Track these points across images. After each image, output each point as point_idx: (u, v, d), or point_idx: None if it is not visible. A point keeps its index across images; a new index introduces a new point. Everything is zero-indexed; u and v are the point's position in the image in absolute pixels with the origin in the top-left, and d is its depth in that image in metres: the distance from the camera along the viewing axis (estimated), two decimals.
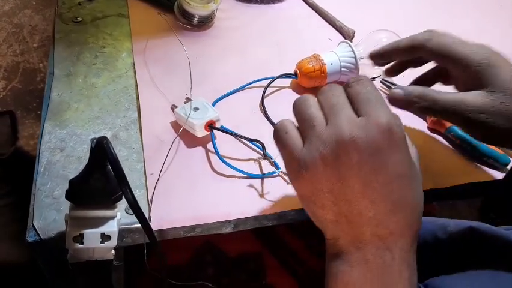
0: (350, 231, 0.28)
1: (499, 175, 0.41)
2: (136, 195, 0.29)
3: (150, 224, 0.33)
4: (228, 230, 0.37)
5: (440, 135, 0.45)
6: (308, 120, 0.29)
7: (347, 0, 0.64)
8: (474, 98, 0.33)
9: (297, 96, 0.49)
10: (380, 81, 0.51)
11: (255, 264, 0.79)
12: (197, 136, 0.41)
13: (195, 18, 0.54)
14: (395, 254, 0.27)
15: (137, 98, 0.46)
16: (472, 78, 0.34)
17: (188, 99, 0.44)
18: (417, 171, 0.29)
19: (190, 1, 0.53)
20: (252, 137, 0.41)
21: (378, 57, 0.41)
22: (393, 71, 0.43)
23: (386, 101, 0.30)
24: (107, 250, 0.32)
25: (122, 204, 0.35)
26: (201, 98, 0.43)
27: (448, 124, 0.44)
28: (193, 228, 0.36)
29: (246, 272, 0.77)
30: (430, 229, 0.34)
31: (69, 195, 0.30)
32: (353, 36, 0.56)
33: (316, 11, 0.61)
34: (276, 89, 0.49)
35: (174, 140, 0.41)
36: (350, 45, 0.48)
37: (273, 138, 0.31)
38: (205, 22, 0.55)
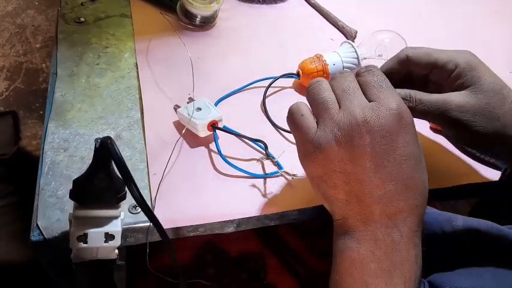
0: (360, 210, 0.29)
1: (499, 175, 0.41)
2: None
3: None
4: (230, 229, 0.37)
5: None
6: (322, 103, 0.30)
7: (349, 1, 0.64)
8: (458, 97, 0.34)
9: (299, 96, 0.49)
10: None
11: (256, 264, 0.79)
12: (200, 136, 0.41)
13: (197, 19, 0.55)
14: (403, 232, 0.28)
15: (140, 98, 0.46)
16: (456, 81, 0.35)
17: (190, 99, 0.44)
18: (423, 156, 0.30)
19: (193, 1, 0.53)
20: (254, 137, 0.41)
21: None
22: None
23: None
24: (111, 249, 0.32)
25: (126, 204, 0.35)
26: (204, 98, 0.43)
27: None
28: (196, 227, 0.36)
29: (247, 271, 0.77)
30: (440, 221, 0.35)
31: (73, 194, 0.30)
32: (355, 36, 0.56)
33: (318, 11, 0.61)
34: (278, 89, 0.49)
35: (178, 141, 0.41)
36: (352, 46, 0.48)
37: (286, 121, 0.33)
38: (208, 22, 0.55)
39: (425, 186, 0.30)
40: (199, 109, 0.42)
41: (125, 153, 0.40)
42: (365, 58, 0.48)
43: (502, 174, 0.40)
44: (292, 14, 0.61)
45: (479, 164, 0.42)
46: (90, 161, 0.30)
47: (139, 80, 0.48)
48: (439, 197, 0.41)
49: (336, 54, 0.48)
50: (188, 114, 0.41)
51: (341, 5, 0.62)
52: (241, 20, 0.58)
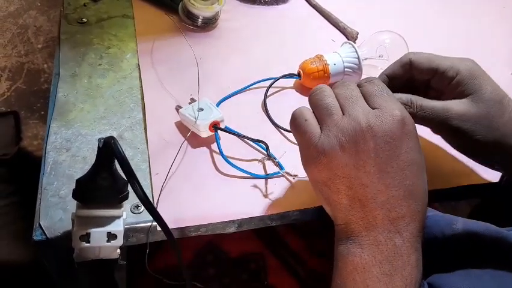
0: (362, 215, 0.29)
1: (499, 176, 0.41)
2: None
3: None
4: (232, 229, 0.37)
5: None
6: (326, 109, 0.31)
7: (350, 2, 0.65)
8: (458, 105, 0.34)
9: (300, 96, 0.49)
10: None
11: (256, 265, 0.79)
12: (201, 136, 0.41)
13: (199, 19, 0.55)
14: (405, 238, 0.28)
15: (142, 98, 0.46)
16: (457, 88, 0.35)
17: (192, 100, 0.44)
18: (424, 162, 0.31)
19: (195, 2, 0.53)
20: (256, 137, 0.41)
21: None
22: None
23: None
24: (113, 249, 0.32)
25: (128, 203, 0.35)
26: (205, 99, 0.43)
27: None
28: (198, 227, 0.36)
29: (247, 272, 0.77)
30: (441, 224, 0.35)
31: (76, 194, 0.30)
32: (356, 37, 0.56)
33: (319, 12, 0.61)
34: (279, 89, 0.49)
35: (181, 143, 0.41)
36: (353, 46, 0.48)
37: (289, 125, 0.33)
38: (209, 23, 0.56)
39: (426, 192, 0.30)
40: (201, 109, 0.42)
41: (127, 153, 0.40)
42: (365, 59, 0.48)
43: (500, 178, 0.40)
44: (293, 15, 0.61)
45: (479, 165, 0.42)
46: (92, 161, 0.30)
47: (141, 81, 0.48)
48: (439, 197, 0.41)
49: (337, 54, 0.48)
50: (190, 115, 0.41)
51: (342, 6, 0.62)
52: (243, 20, 0.58)
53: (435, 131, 0.36)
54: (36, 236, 0.34)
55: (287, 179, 0.40)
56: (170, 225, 0.35)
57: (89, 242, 0.30)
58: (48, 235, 0.34)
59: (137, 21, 0.56)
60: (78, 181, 0.30)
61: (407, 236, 0.28)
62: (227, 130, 0.42)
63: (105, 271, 0.38)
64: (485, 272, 0.33)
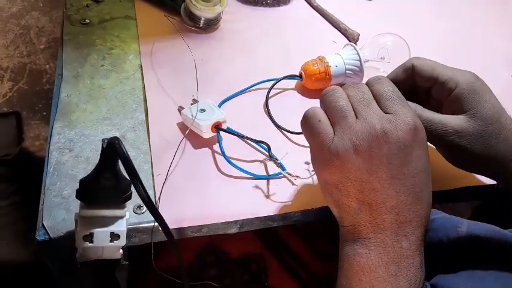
0: (371, 219, 0.29)
1: None
2: None
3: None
4: (233, 230, 0.38)
5: None
6: (340, 111, 0.31)
7: (351, 3, 0.65)
8: (456, 121, 0.34)
9: (301, 98, 0.49)
10: None
11: (257, 266, 0.79)
12: (203, 137, 0.41)
13: (201, 21, 0.55)
14: (411, 241, 0.29)
15: (145, 99, 0.46)
16: (456, 101, 0.35)
17: (194, 101, 0.45)
18: (430, 169, 0.31)
19: (197, 4, 0.53)
20: (257, 138, 0.41)
21: None
22: None
23: None
24: (116, 249, 0.32)
25: (130, 204, 0.35)
26: (207, 100, 0.44)
27: None
28: (199, 228, 0.36)
29: (248, 273, 0.77)
30: (447, 227, 0.35)
31: (79, 194, 0.31)
32: (358, 39, 0.57)
33: (321, 14, 0.62)
34: (281, 90, 0.50)
35: (182, 142, 0.41)
36: (355, 48, 0.48)
37: (300, 125, 0.33)
38: (211, 24, 0.56)
39: (431, 198, 0.31)
40: (203, 110, 0.42)
41: (129, 154, 0.40)
42: (367, 60, 0.48)
43: (496, 184, 0.40)
44: (295, 16, 0.61)
45: None
46: (95, 162, 0.30)
47: (143, 82, 0.48)
48: (438, 199, 0.41)
49: (339, 56, 0.49)
50: (192, 116, 0.41)
51: (343, 7, 0.62)
52: (245, 22, 0.59)
53: (431, 142, 0.36)
54: (39, 236, 0.34)
55: (289, 180, 0.40)
56: (172, 226, 0.36)
57: (92, 242, 0.31)
58: (51, 235, 0.34)
59: (140, 23, 0.56)
60: (81, 181, 0.30)
61: (413, 240, 0.29)
62: (229, 131, 0.42)
63: (107, 271, 0.38)
64: (489, 273, 0.33)
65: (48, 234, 0.34)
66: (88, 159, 0.40)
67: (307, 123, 0.32)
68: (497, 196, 0.42)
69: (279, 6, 0.63)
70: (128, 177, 0.28)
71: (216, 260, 0.77)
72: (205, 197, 0.38)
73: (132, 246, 0.37)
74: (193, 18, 0.55)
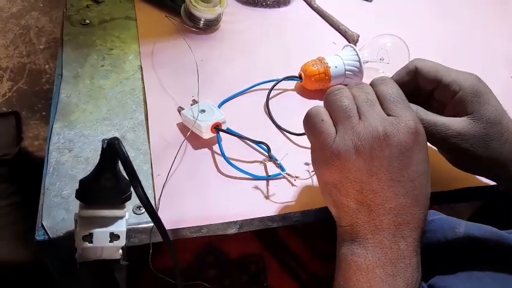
0: (369, 220, 0.29)
1: None
2: None
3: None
4: (233, 230, 0.38)
5: None
6: (344, 111, 0.31)
7: (351, 5, 0.65)
8: (458, 124, 0.34)
9: (301, 98, 0.50)
10: None
11: (256, 266, 0.79)
12: (203, 138, 0.41)
13: (201, 22, 0.55)
14: (409, 242, 0.29)
15: (145, 100, 0.46)
16: (459, 104, 0.35)
17: (194, 102, 0.45)
18: (430, 172, 0.31)
19: (197, 4, 0.53)
20: (257, 139, 0.41)
21: None
22: None
23: None
24: (116, 249, 0.32)
25: (130, 204, 0.36)
26: (207, 100, 0.44)
27: None
28: (199, 228, 0.36)
29: (248, 274, 0.77)
30: (444, 228, 0.35)
31: (79, 194, 0.31)
32: (357, 40, 0.57)
33: (320, 15, 0.62)
34: (280, 91, 0.50)
35: (182, 143, 0.41)
36: (354, 49, 0.49)
37: (303, 123, 0.33)
38: (211, 25, 0.56)
39: (429, 200, 0.31)
40: (202, 111, 0.42)
41: (129, 154, 0.40)
42: (366, 62, 0.49)
43: (497, 185, 0.40)
44: (295, 17, 0.61)
45: None
46: (94, 162, 0.30)
47: (143, 82, 0.48)
48: (439, 200, 0.41)
49: (338, 57, 0.49)
50: (192, 116, 0.41)
51: (343, 9, 0.62)
52: (245, 23, 0.59)
53: (434, 145, 0.36)
54: (39, 236, 0.34)
55: (288, 181, 0.40)
56: (172, 226, 0.36)
57: (91, 242, 0.31)
58: (50, 235, 0.34)
59: (140, 23, 0.56)
60: (81, 182, 0.30)
61: (410, 241, 0.29)
62: (229, 131, 0.42)
63: (107, 271, 0.38)
64: (487, 274, 0.33)
65: (47, 234, 0.34)
66: (88, 159, 0.40)
67: (310, 122, 0.32)
68: (498, 197, 0.42)
69: (279, 7, 0.63)
70: (128, 178, 0.28)
71: (215, 260, 0.77)
72: (204, 197, 0.38)
73: (131, 247, 0.37)
74: (193, 19, 0.55)
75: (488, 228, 0.36)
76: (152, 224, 0.35)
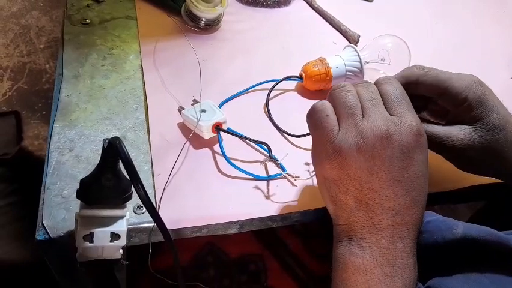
0: (367, 218, 0.29)
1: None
2: None
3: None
4: (233, 230, 0.38)
5: None
6: (349, 108, 0.31)
7: (352, 5, 0.65)
8: (462, 134, 0.34)
9: (302, 99, 0.50)
10: None
11: (256, 266, 0.79)
12: (204, 138, 0.41)
13: (202, 21, 0.55)
14: (406, 243, 0.29)
15: (145, 99, 0.46)
16: (463, 113, 0.35)
17: (195, 101, 0.45)
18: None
19: (197, 4, 0.53)
20: (258, 139, 0.41)
21: None
22: None
23: None
24: (116, 249, 0.32)
25: (130, 204, 0.35)
26: (208, 100, 0.44)
27: None
28: (200, 228, 0.36)
29: (247, 273, 0.77)
30: (442, 229, 0.35)
31: (80, 194, 0.31)
32: (358, 40, 0.57)
33: (321, 15, 0.62)
34: (281, 91, 0.50)
35: (184, 143, 0.41)
36: (355, 50, 0.49)
37: (306, 117, 0.33)
38: (212, 25, 0.56)
39: (425, 203, 0.31)
40: (203, 111, 0.42)
41: (130, 154, 0.40)
42: (367, 62, 0.49)
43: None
44: (295, 17, 0.61)
45: None
46: (95, 162, 0.30)
47: (144, 82, 0.48)
48: (440, 200, 0.41)
49: (339, 57, 0.49)
50: (193, 116, 0.41)
51: (344, 9, 0.62)
52: (246, 23, 0.59)
53: (438, 153, 0.36)
54: (39, 235, 0.34)
55: (289, 181, 0.40)
56: (172, 226, 0.36)
57: (92, 241, 0.31)
58: (51, 235, 0.34)
59: (140, 23, 0.56)
60: (82, 181, 0.30)
61: (407, 242, 0.29)
62: (229, 131, 0.42)
63: (107, 271, 0.38)
64: (485, 275, 0.33)
65: (48, 234, 0.34)
66: (88, 159, 0.40)
67: (315, 116, 0.32)
68: (499, 196, 0.42)
69: (279, 7, 0.63)
70: (128, 178, 0.28)
71: (215, 260, 0.77)
72: (205, 197, 0.38)
73: (131, 246, 0.37)
74: (193, 18, 0.55)
75: (486, 229, 0.36)
76: (153, 224, 0.36)
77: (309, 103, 0.49)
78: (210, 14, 0.54)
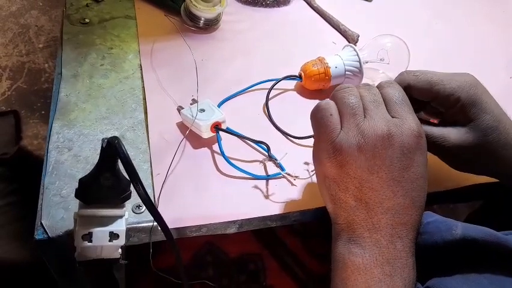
0: (366, 217, 0.30)
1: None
2: None
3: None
4: (232, 230, 0.38)
5: None
6: (351, 108, 0.31)
7: (351, 4, 0.65)
8: (456, 135, 0.34)
9: (301, 98, 0.50)
10: None
11: (255, 266, 0.79)
12: (203, 137, 0.41)
13: (201, 21, 0.55)
14: (405, 243, 0.29)
15: (144, 99, 0.46)
16: (456, 115, 0.35)
17: (194, 101, 0.45)
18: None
19: (197, 4, 0.53)
20: (257, 139, 0.41)
21: None
22: None
23: None
24: (115, 248, 0.32)
25: (129, 203, 0.35)
26: (207, 100, 0.44)
27: None
28: (199, 228, 0.36)
29: (246, 273, 0.77)
30: (441, 230, 0.35)
31: (79, 193, 0.31)
32: (357, 40, 0.57)
33: (321, 15, 0.62)
34: (280, 91, 0.50)
35: (182, 142, 0.41)
36: (354, 49, 0.49)
37: (310, 114, 0.33)
38: (211, 25, 0.56)
39: (424, 204, 0.31)
40: (202, 110, 0.42)
41: (129, 153, 0.40)
42: (366, 62, 0.49)
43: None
44: (295, 17, 0.61)
45: None
46: (94, 161, 0.30)
47: (143, 81, 0.48)
48: (439, 199, 0.41)
49: (338, 57, 0.49)
50: (192, 116, 0.41)
51: (343, 9, 0.62)
52: (245, 22, 0.59)
53: (434, 154, 0.36)
54: (38, 235, 0.34)
55: (288, 180, 0.40)
56: (171, 225, 0.36)
57: (91, 241, 0.31)
58: (50, 234, 0.34)
59: (140, 22, 0.56)
60: (81, 181, 0.30)
61: (406, 242, 0.29)
62: (228, 131, 0.42)
63: (106, 270, 0.38)
64: (484, 276, 0.33)
65: (47, 234, 0.34)
66: (87, 158, 0.40)
67: (319, 114, 0.32)
68: (499, 195, 0.42)
69: (279, 6, 0.63)
70: (127, 177, 0.28)
71: (214, 259, 0.77)
72: (204, 196, 0.38)
73: (130, 246, 0.37)
74: (193, 18, 0.55)
75: (485, 229, 0.36)
76: (152, 223, 0.36)
77: (308, 103, 0.49)
78: (209, 14, 0.54)
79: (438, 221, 0.38)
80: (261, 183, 0.40)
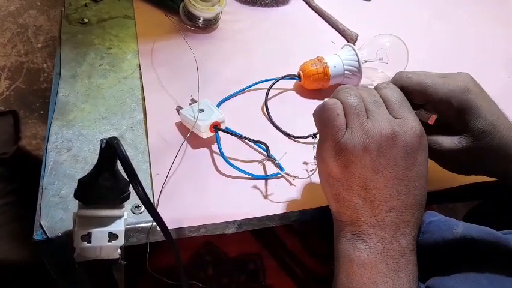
0: (371, 215, 0.30)
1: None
2: None
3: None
4: (232, 230, 0.38)
5: None
6: (355, 108, 0.32)
7: (350, 4, 0.65)
8: (449, 143, 0.35)
9: (300, 98, 0.50)
10: None
11: (254, 265, 0.79)
12: (202, 137, 0.41)
13: (200, 21, 0.55)
14: (408, 240, 0.30)
15: (143, 99, 0.46)
16: (450, 119, 0.35)
17: (193, 101, 0.44)
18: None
19: (195, 3, 0.53)
20: (256, 138, 0.41)
21: None
22: None
23: None
24: (114, 249, 0.32)
25: (128, 204, 0.35)
26: (206, 100, 0.44)
27: None
28: (198, 228, 0.36)
29: (246, 273, 0.77)
30: (442, 229, 0.35)
31: (78, 194, 0.31)
32: (356, 39, 0.57)
33: (319, 15, 0.62)
34: (280, 90, 0.50)
35: (181, 143, 0.41)
36: (353, 49, 0.49)
37: (316, 113, 0.33)
38: (210, 24, 0.56)
39: (425, 202, 0.32)
40: (201, 110, 0.42)
41: (128, 153, 0.40)
42: (365, 61, 0.49)
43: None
44: (294, 16, 0.61)
45: None
46: (93, 161, 0.30)
47: (141, 81, 0.48)
48: (438, 199, 0.41)
49: (337, 56, 0.49)
50: (191, 116, 0.41)
51: (342, 8, 0.62)
52: (244, 22, 0.59)
53: (430, 158, 0.36)
54: (37, 235, 0.34)
55: (287, 180, 0.40)
56: (170, 226, 0.36)
57: (90, 241, 0.30)
58: (49, 235, 0.34)
59: (138, 22, 0.56)
60: (80, 181, 0.30)
61: (409, 239, 0.30)
62: (227, 131, 0.42)
63: (105, 271, 0.38)
64: (484, 275, 0.33)
65: (46, 234, 0.34)
66: (86, 158, 0.40)
67: (325, 113, 0.32)
68: (499, 194, 0.42)
69: (277, 6, 0.63)
70: (126, 177, 0.28)
71: (213, 259, 0.77)
72: (203, 196, 0.38)
73: (129, 246, 0.36)
74: (191, 18, 0.55)
75: (485, 229, 0.36)
76: (151, 224, 0.35)
77: (307, 102, 0.49)
78: (208, 13, 0.54)
79: (440, 220, 0.38)
80: (260, 183, 0.40)
